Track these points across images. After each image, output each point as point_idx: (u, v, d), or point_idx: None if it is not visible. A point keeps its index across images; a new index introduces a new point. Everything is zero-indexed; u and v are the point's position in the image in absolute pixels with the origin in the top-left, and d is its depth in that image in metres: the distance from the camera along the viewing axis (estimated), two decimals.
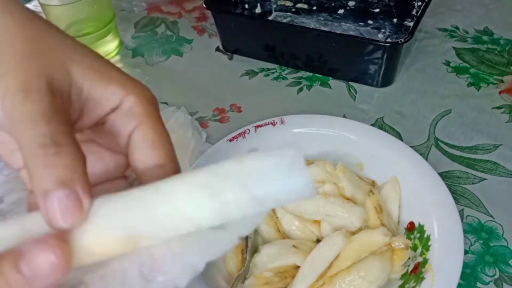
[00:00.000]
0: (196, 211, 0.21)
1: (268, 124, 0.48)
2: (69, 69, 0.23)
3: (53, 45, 0.24)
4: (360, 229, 0.40)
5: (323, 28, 0.69)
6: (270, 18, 0.72)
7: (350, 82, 0.62)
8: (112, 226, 0.21)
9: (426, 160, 0.46)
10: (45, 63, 0.23)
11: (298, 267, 0.38)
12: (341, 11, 0.71)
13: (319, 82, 0.63)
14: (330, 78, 0.63)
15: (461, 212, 0.46)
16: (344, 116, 0.56)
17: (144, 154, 0.24)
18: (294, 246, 0.39)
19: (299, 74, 0.64)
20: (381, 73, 0.59)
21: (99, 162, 0.27)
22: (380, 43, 0.56)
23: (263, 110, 0.57)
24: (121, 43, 0.70)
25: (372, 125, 0.55)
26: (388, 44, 0.56)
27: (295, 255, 0.38)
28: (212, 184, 0.22)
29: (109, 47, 0.68)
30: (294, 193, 0.22)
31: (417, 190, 0.43)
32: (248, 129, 0.48)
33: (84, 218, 0.20)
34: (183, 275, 0.20)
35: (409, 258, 0.39)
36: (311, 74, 0.64)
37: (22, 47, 0.23)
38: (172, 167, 0.25)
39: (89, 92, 0.24)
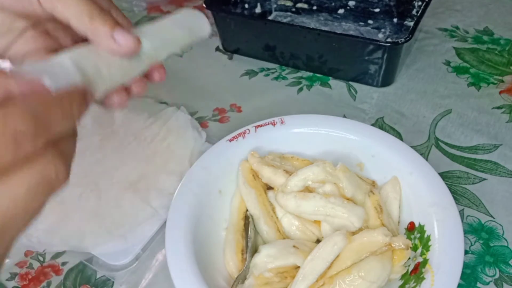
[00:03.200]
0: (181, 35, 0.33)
1: (268, 124, 0.48)
2: None
3: None
4: (360, 229, 0.39)
5: (323, 28, 0.69)
6: (270, 18, 0.72)
7: (350, 82, 0.62)
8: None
9: (426, 160, 0.46)
10: None
11: (298, 267, 0.38)
12: (341, 11, 0.71)
13: (319, 82, 0.63)
14: (330, 78, 0.63)
15: (461, 212, 0.46)
16: (344, 116, 0.56)
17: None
18: (294, 246, 0.39)
19: (299, 74, 0.64)
20: (381, 73, 0.59)
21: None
22: (380, 43, 0.56)
23: (263, 110, 0.57)
24: None
25: (372, 125, 0.55)
26: (388, 44, 0.56)
27: (295, 255, 0.38)
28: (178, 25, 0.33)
29: None
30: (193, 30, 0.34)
31: (417, 190, 0.43)
32: (248, 129, 0.48)
33: (140, 42, 0.29)
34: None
35: (409, 258, 0.39)
36: (311, 74, 0.64)
37: None
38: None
39: None
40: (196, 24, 0.34)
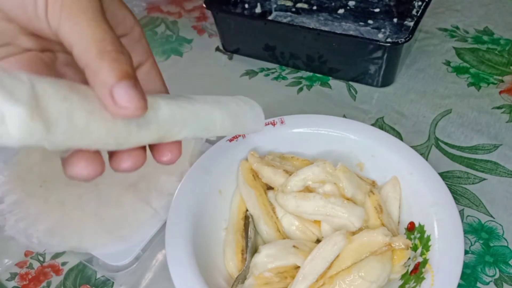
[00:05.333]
0: (220, 124, 0.28)
1: (268, 124, 0.48)
2: None
3: None
4: (360, 229, 0.39)
5: (323, 28, 0.69)
6: (270, 18, 0.72)
7: (350, 82, 0.62)
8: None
9: (426, 160, 0.46)
10: None
11: (298, 267, 0.38)
12: (341, 11, 0.71)
13: (319, 82, 0.63)
14: (330, 78, 0.63)
15: (461, 212, 0.46)
16: (344, 116, 0.56)
17: (152, 84, 0.29)
18: (294, 246, 0.39)
19: (299, 74, 0.64)
20: (381, 73, 0.59)
21: None
22: (380, 43, 0.56)
23: (263, 110, 0.57)
24: None
25: (372, 125, 0.55)
26: (388, 44, 0.56)
27: (295, 255, 0.38)
28: (229, 112, 0.29)
29: None
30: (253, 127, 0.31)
31: (417, 190, 0.43)
32: None
33: (147, 108, 0.22)
34: None
35: (409, 258, 0.39)
36: (311, 74, 0.64)
37: None
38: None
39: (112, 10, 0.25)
40: (247, 118, 0.29)
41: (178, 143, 0.27)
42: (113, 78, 0.21)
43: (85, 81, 0.24)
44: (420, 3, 0.66)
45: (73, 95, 0.20)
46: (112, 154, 0.25)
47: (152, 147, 0.26)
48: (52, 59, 0.27)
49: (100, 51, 0.21)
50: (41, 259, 0.45)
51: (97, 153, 0.23)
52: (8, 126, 0.18)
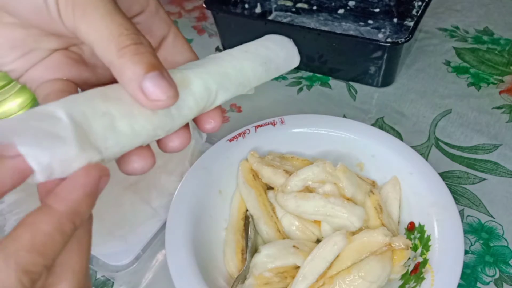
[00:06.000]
0: (253, 74, 0.27)
1: (268, 124, 0.48)
2: None
3: None
4: (360, 229, 0.39)
5: (323, 28, 0.69)
6: (270, 18, 0.72)
7: (350, 82, 0.62)
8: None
9: (426, 160, 0.46)
10: None
11: (298, 267, 0.38)
12: (341, 11, 0.71)
13: (319, 82, 0.63)
14: (330, 78, 0.63)
15: (461, 212, 0.46)
16: (344, 116, 0.56)
17: (180, 55, 0.28)
18: (294, 246, 0.39)
19: (299, 74, 0.64)
20: (381, 73, 0.59)
21: None
22: (380, 43, 0.56)
23: (263, 110, 0.57)
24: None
25: (372, 125, 0.55)
26: (388, 44, 0.56)
27: (295, 255, 0.38)
28: (258, 59, 0.28)
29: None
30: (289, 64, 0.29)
31: (417, 190, 0.43)
32: (248, 129, 0.48)
33: (178, 94, 0.22)
34: None
35: (409, 258, 0.39)
36: (311, 74, 0.64)
37: None
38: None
39: None
40: (279, 58, 0.29)
41: (218, 108, 0.26)
42: (139, 73, 0.21)
43: None
44: (420, 3, 0.66)
45: (109, 105, 0.21)
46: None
47: (194, 119, 0.26)
48: (79, 52, 0.27)
49: (119, 47, 0.21)
50: None
51: (147, 147, 0.24)
52: (71, 166, 0.20)
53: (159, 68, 0.21)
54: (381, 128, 0.55)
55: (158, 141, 0.25)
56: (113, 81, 0.23)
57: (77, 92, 0.26)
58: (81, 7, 0.22)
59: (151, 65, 0.21)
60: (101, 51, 0.22)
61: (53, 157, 0.19)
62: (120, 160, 0.24)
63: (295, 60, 0.30)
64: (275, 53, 0.29)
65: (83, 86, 0.27)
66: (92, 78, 0.27)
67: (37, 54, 0.25)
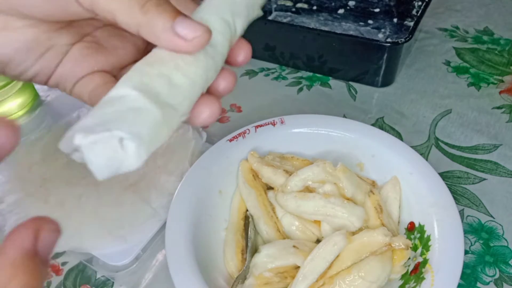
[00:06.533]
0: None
1: (268, 124, 0.48)
2: None
3: None
4: (360, 229, 0.39)
5: (323, 28, 0.69)
6: (270, 18, 0.72)
7: (350, 82, 0.62)
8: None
9: (426, 160, 0.46)
10: None
11: (298, 267, 0.38)
12: (341, 11, 0.71)
13: (319, 82, 0.63)
14: (330, 78, 0.63)
15: (461, 212, 0.46)
16: (344, 116, 0.56)
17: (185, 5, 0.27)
18: (294, 246, 0.39)
19: (299, 74, 0.64)
20: (381, 73, 0.59)
21: (129, 45, 0.28)
22: (380, 43, 0.56)
23: (263, 110, 0.57)
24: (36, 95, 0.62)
25: (372, 125, 0.55)
26: (388, 44, 0.56)
27: (295, 255, 0.38)
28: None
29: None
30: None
31: (417, 190, 0.43)
32: (248, 129, 0.48)
33: (210, 30, 0.22)
34: None
35: (409, 258, 0.39)
36: (311, 74, 0.64)
37: None
38: None
39: None
40: None
41: (243, 40, 0.26)
42: (169, 20, 0.21)
43: (136, 47, 0.26)
44: (420, 3, 0.66)
45: (157, 67, 0.22)
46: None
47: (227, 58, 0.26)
48: (95, 40, 0.27)
49: (142, 6, 0.22)
50: None
51: (208, 95, 0.24)
52: (161, 131, 0.20)
53: (181, 13, 0.22)
54: (381, 128, 0.55)
55: (210, 89, 0.25)
56: (137, 55, 0.23)
57: (114, 80, 0.26)
58: None
59: (175, 12, 0.22)
60: (124, 16, 0.22)
61: (144, 125, 0.19)
62: (190, 117, 0.24)
63: None
64: None
65: (113, 72, 0.27)
66: (117, 62, 0.27)
67: (56, 51, 0.25)
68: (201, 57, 0.23)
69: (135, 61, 0.23)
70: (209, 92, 0.25)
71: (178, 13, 0.22)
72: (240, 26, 0.26)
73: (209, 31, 0.22)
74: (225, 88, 0.25)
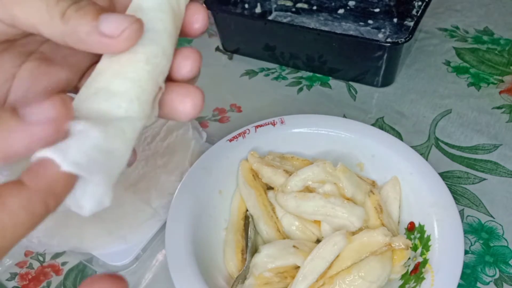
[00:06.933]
0: None
1: (268, 124, 0.48)
2: None
3: None
4: (360, 229, 0.39)
5: (323, 28, 0.69)
6: (270, 18, 0.72)
7: (350, 82, 0.62)
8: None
9: (426, 160, 0.46)
10: None
11: (298, 267, 0.38)
12: (341, 11, 0.71)
13: (319, 82, 0.63)
14: (330, 78, 0.63)
15: (461, 212, 0.46)
16: (344, 116, 0.56)
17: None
18: (294, 246, 0.39)
19: (299, 74, 0.64)
20: (381, 73, 0.59)
21: (53, 76, 0.25)
22: (380, 43, 0.56)
23: (263, 110, 0.57)
24: None
25: (372, 125, 0.55)
26: (388, 44, 0.56)
27: (295, 255, 0.38)
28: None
29: None
30: None
31: (417, 190, 0.43)
32: (248, 129, 0.48)
33: (140, 19, 0.20)
34: None
35: (409, 258, 0.39)
36: (311, 74, 0.64)
37: None
38: None
39: None
40: None
41: (196, 4, 0.23)
42: (91, 22, 0.19)
43: (81, 52, 0.23)
44: (420, 3, 0.66)
45: (94, 83, 0.20)
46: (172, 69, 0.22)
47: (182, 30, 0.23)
48: (43, 56, 0.24)
49: (63, 15, 0.20)
50: (41, 259, 0.45)
51: (187, 84, 0.22)
52: (116, 140, 0.19)
53: (104, 10, 0.20)
54: (381, 128, 0.55)
55: (175, 77, 0.23)
56: (91, 55, 0.22)
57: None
58: None
59: (97, 11, 0.20)
60: (47, 29, 0.20)
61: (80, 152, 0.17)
62: (172, 113, 0.22)
63: None
64: None
65: (72, 84, 0.25)
66: (72, 72, 0.25)
67: (2, 77, 0.23)
68: (139, 49, 0.20)
69: (93, 62, 0.21)
70: (178, 80, 0.22)
71: (101, 11, 0.20)
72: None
73: (137, 20, 0.20)
74: (191, 69, 0.22)
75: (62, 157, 0.17)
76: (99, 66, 0.21)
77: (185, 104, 0.22)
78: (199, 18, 0.23)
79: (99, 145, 0.18)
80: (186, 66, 0.22)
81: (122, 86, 0.20)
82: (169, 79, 0.22)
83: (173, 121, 0.55)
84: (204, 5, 0.23)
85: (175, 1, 0.22)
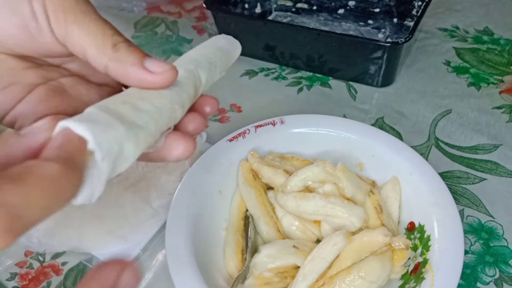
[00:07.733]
0: (215, 56, 0.30)
1: (268, 124, 0.48)
2: None
3: None
4: (360, 229, 0.39)
5: (323, 28, 0.69)
6: (270, 18, 0.72)
7: (350, 82, 0.62)
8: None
9: (426, 160, 0.46)
10: None
11: (298, 267, 0.38)
12: (341, 11, 0.71)
13: (319, 82, 0.63)
14: (330, 78, 0.63)
15: (461, 212, 0.46)
16: (344, 116, 0.56)
17: None
18: (294, 246, 0.39)
19: (299, 74, 0.64)
20: (381, 73, 0.59)
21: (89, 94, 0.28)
22: (380, 43, 0.56)
23: (263, 110, 0.57)
24: None
25: (372, 125, 0.55)
26: (388, 44, 0.56)
27: (295, 255, 0.38)
28: (213, 46, 0.32)
29: None
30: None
31: (417, 190, 0.43)
32: (248, 129, 0.48)
33: (176, 69, 0.23)
34: None
35: (409, 258, 0.39)
36: (311, 74, 0.64)
37: None
38: None
39: None
40: (226, 44, 0.33)
41: (210, 96, 0.28)
42: (138, 57, 0.23)
43: (99, 95, 0.27)
44: (420, 3, 0.66)
45: (122, 97, 0.22)
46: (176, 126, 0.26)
47: (192, 109, 0.27)
48: (60, 85, 0.26)
49: (115, 44, 0.23)
50: (41, 259, 0.45)
51: (187, 135, 0.25)
52: (131, 141, 0.21)
53: (150, 56, 0.24)
54: (381, 128, 0.55)
55: (178, 128, 0.26)
56: None
57: None
58: (71, 12, 0.23)
59: (145, 53, 0.23)
60: (95, 51, 0.23)
61: (105, 138, 0.19)
62: (164, 152, 0.25)
63: (236, 53, 0.34)
64: (222, 43, 0.33)
65: (76, 113, 0.26)
66: (81, 106, 0.26)
67: (19, 87, 0.25)
68: (166, 93, 0.24)
69: None
70: (182, 130, 0.26)
71: (148, 55, 0.23)
72: (204, 77, 0.27)
73: (175, 68, 0.23)
74: (196, 127, 0.26)
75: (92, 137, 0.18)
76: (128, 90, 0.23)
77: (177, 148, 0.25)
78: (210, 106, 0.28)
79: (119, 138, 0.20)
80: (192, 124, 0.26)
81: (147, 106, 0.22)
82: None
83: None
84: (216, 98, 0.28)
85: (197, 77, 0.27)
